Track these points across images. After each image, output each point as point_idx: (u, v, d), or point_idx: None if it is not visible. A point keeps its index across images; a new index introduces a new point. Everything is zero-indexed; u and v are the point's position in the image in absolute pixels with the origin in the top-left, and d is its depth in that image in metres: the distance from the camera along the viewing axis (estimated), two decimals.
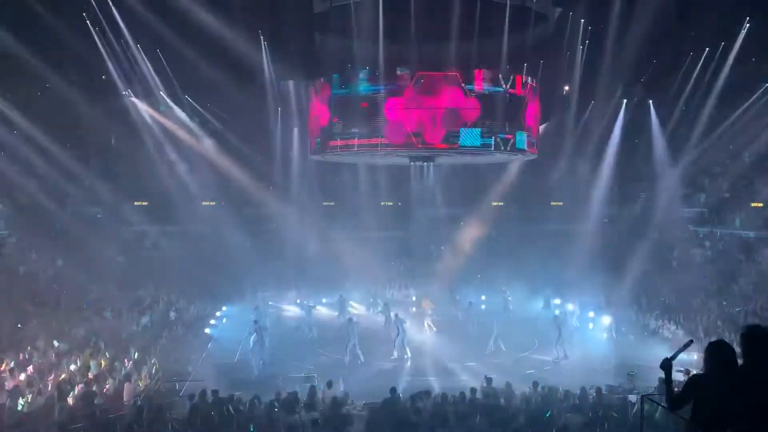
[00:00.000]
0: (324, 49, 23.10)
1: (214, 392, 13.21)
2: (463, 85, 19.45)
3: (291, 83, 28.26)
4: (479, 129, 19.63)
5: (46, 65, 24.66)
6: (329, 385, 13.94)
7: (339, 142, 20.89)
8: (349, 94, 20.45)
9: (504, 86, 19.90)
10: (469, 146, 19.89)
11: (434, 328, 22.31)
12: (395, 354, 19.20)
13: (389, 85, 19.88)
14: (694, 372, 4.88)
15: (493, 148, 20.08)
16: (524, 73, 20.98)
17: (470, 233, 29.28)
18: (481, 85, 19.73)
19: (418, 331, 21.71)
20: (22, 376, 14.50)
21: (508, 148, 20.34)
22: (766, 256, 24.45)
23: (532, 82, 21.01)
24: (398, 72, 19.86)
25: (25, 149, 26.87)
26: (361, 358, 19.02)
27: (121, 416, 12.33)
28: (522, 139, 20.55)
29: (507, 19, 21.09)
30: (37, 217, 25.49)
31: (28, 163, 27.35)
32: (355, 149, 20.96)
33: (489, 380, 14.48)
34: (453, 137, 19.52)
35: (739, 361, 4.65)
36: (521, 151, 21.21)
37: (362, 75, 20.44)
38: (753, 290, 22.71)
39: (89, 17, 23.53)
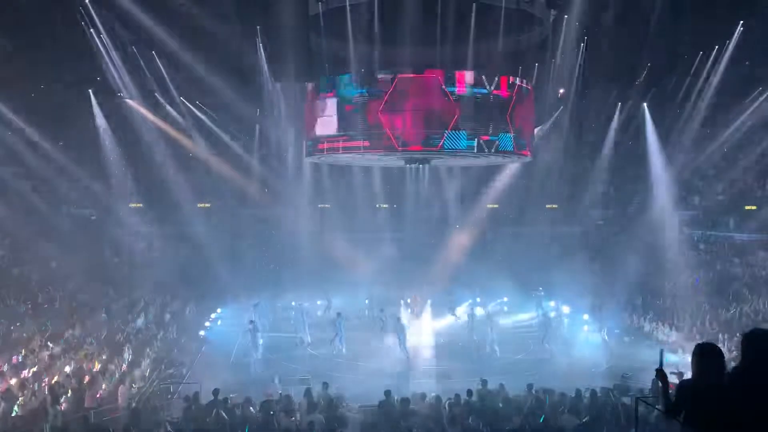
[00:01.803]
0: (316, 52, 23.12)
1: (215, 391, 13.20)
2: (443, 87, 19.32)
3: (287, 85, 28.21)
4: (463, 131, 19.48)
5: (40, 65, 24.59)
6: (325, 386, 13.93)
7: (326, 145, 20.97)
8: (334, 97, 20.50)
9: (487, 88, 19.69)
10: (451, 149, 19.73)
11: (416, 319, 22.48)
12: (403, 355, 19.42)
13: (371, 88, 19.87)
14: (686, 375, 4.94)
15: (476, 151, 19.89)
16: (514, 74, 20.78)
17: (464, 237, 29.33)
18: (463, 87, 19.58)
19: (415, 333, 21.79)
20: (15, 379, 14.44)
21: (493, 151, 20.10)
22: (759, 258, 24.58)
23: (522, 83, 20.77)
24: (379, 76, 19.82)
25: (20, 150, 26.80)
26: (344, 351, 19.77)
27: (115, 418, 12.30)
28: (508, 141, 20.27)
29: (493, 22, 20.95)
30: (31, 219, 25.37)
31: (22, 164, 27.29)
32: (340, 152, 21.03)
33: (484, 382, 14.50)
34: (434, 140, 19.37)
35: (732, 364, 4.68)
36: (507, 153, 20.96)
37: (346, 78, 20.47)
38: (747, 293, 22.80)
39: (85, 17, 23.46)
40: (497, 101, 19.91)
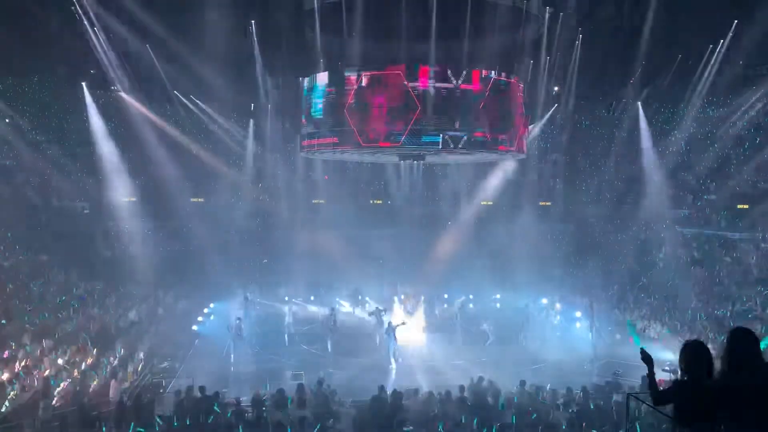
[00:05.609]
0: (310, 47, 23.08)
1: (201, 389, 13.20)
2: (405, 82, 19.08)
3: (281, 79, 28.12)
4: (426, 127, 19.23)
5: (34, 58, 24.44)
6: (320, 382, 13.95)
7: (306, 142, 21.02)
8: (312, 94, 20.49)
9: (454, 82, 19.30)
10: (414, 144, 19.51)
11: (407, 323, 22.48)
12: (393, 364, 18.83)
13: (338, 85, 19.78)
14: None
15: (441, 147, 19.62)
16: (508, 70, 20.44)
17: (457, 234, 29.34)
18: (426, 82, 19.32)
19: (409, 334, 21.80)
20: (6, 374, 14.36)
21: (461, 146, 19.75)
22: (751, 257, 24.71)
23: (500, 76, 20.33)
24: (345, 73, 19.73)
25: (12, 142, 26.64)
26: (329, 347, 19.82)
27: (107, 413, 12.26)
28: (479, 136, 19.93)
29: (484, 18, 20.77)
30: (22, 212, 25.21)
31: (14, 156, 27.12)
32: (315, 149, 21.06)
33: (480, 379, 14.55)
34: (396, 135, 19.18)
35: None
36: (480, 148, 20.49)
37: (320, 76, 20.44)
38: (737, 291, 22.93)
39: (79, 10, 23.31)
40: (466, 96, 19.50)
